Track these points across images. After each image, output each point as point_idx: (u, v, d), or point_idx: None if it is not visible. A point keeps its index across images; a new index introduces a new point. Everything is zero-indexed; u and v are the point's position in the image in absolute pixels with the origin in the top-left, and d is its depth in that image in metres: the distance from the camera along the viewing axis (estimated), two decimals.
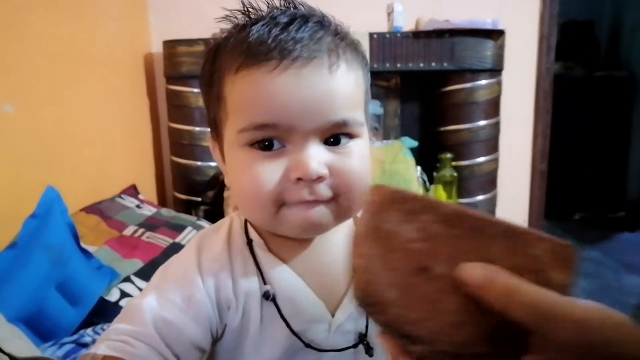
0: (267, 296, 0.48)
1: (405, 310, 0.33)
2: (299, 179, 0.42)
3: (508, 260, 0.33)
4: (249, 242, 0.50)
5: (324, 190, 0.43)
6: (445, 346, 0.33)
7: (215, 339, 0.49)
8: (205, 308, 0.46)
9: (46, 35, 1.44)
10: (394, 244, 0.33)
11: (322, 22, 0.46)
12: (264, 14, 0.46)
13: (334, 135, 0.45)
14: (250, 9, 0.47)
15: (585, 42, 4.33)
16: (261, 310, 0.48)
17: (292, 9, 0.46)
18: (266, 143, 0.44)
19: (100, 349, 0.42)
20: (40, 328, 1.03)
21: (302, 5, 0.47)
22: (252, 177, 0.44)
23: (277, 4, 0.47)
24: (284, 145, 0.44)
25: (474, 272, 0.32)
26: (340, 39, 0.45)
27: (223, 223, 0.54)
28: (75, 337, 1.06)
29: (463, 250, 0.33)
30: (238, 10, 0.47)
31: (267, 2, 0.46)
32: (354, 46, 0.47)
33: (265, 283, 0.49)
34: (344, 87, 0.44)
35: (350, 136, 0.45)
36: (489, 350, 0.33)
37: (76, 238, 1.16)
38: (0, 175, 1.23)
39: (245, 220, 0.53)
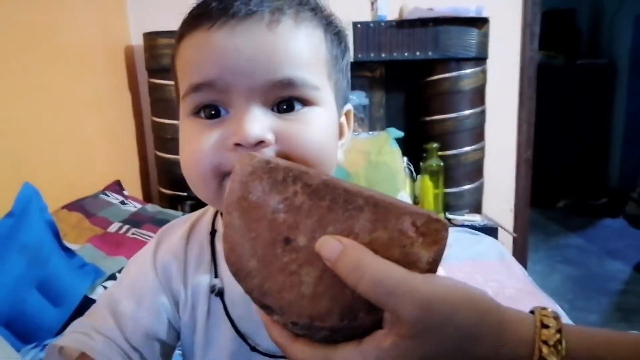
0: (212, 290, 0.46)
1: (263, 281, 0.33)
2: (236, 145, 0.38)
3: (372, 234, 0.32)
4: (212, 233, 0.48)
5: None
6: (298, 318, 0.33)
7: (178, 333, 0.48)
8: (159, 299, 0.46)
9: (18, 26, 1.39)
10: (258, 214, 0.33)
11: None
12: None
13: (286, 101, 0.40)
14: None
15: (567, 31, 4.36)
16: (208, 305, 0.47)
17: None
18: (212, 112, 0.40)
19: (62, 340, 0.44)
20: (21, 330, 1.00)
21: None
22: (190, 146, 0.41)
23: None
24: (228, 112, 0.40)
25: (329, 244, 0.32)
26: (297, 2, 0.42)
27: (195, 212, 0.52)
28: (58, 337, 1.04)
29: (328, 222, 0.33)
30: None
31: None
32: (315, 9, 0.43)
33: (216, 277, 0.46)
34: (287, 43, 0.40)
35: (305, 103, 0.41)
36: (344, 324, 0.33)
37: (57, 236, 1.13)
38: None
39: (217, 210, 0.50)
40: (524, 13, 2.00)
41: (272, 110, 0.40)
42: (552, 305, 1.39)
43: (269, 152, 0.39)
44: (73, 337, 0.44)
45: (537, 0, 2.00)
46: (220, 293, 0.46)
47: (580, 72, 4.13)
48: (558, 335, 0.32)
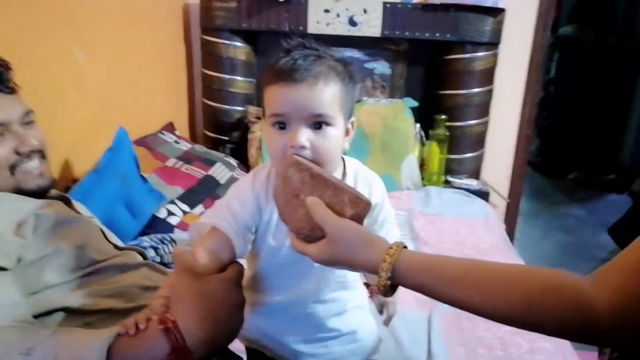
0: None
1: (283, 209, 0.73)
2: (292, 146, 0.72)
3: (330, 199, 0.69)
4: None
5: (307, 156, 0.72)
6: (292, 227, 0.72)
7: (256, 228, 0.82)
8: (254, 208, 0.80)
9: None
10: (288, 182, 0.70)
11: (319, 55, 0.75)
12: (292, 49, 0.75)
13: (318, 123, 0.73)
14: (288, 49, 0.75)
15: (601, 8, 4.38)
16: (278, 215, 0.80)
17: (306, 47, 0.75)
18: (281, 125, 0.75)
19: (206, 218, 0.80)
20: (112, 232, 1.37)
21: (312, 45, 0.76)
22: (272, 143, 0.76)
23: (300, 44, 0.76)
24: (289, 127, 0.73)
25: (309, 200, 0.69)
26: (326, 67, 0.74)
27: (267, 165, 0.84)
28: (136, 242, 1.40)
29: (314, 191, 0.69)
30: (286, 49, 0.75)
31: (297, 43, 0.76)
32: (337, 70, 0.75)
33: None
34: (320, 95, 0.72)
35: (327, 124, 0.73)
36: (310, 233, 0.70)
37: (137, 166, 1.49)
38: (78, 112, 1.54)
39: None
40: (540, 5, 2.20)
41: (311, 128, 0.74)
42: (516, 260, 1.71)
43: (307, 152, 0.73)
44: (209, 219, 0.79)
45: None
46: None
47: (610, 51, 4.15)
48: (395, 254, 0.65)
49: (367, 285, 0.94)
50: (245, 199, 0.79)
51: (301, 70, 0.72)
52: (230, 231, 0.76)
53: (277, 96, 0.73)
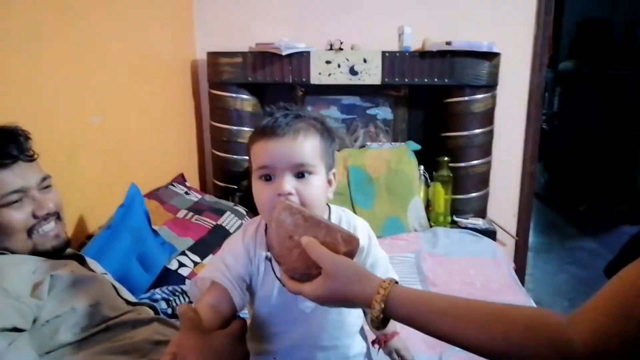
0: (267, 257, 0.85)
1: (278, 251, 0.76)
2: (279, 194, 0.78)
3: (324, 238, 0.73)
4: (266, 230, 0.88)
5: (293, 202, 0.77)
6: (287, 267, 0.75)
7: (250, 279, 0.87)
8: (245, 260, 0.85)
9: (118, 54, 1.80)
10: (282, 225, 0.75)
11: (299, 114, 0.82)
12: (274, 112, 0.83)
13: (301, 172, 0.79)
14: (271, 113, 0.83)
15: (601, 41, 4.48)
16: (264, 265, 0.86)
17: (287, 109, 0.83)
18: (267, 177, 0.80)
19: (200, 274, 0.85)
20: (125, 287, 1.41)
21: (293, 108, 0.84)
22: (259, 195, 0.82)
23: (282, 107, 0.84)
24: (275, 177, 0.80)
25: (305, 239, 0.73)
26: (305, 123, 0.81)
27: (256, 220, 0.91)
28: (148, 294, 1.44)
29: (308, 232, 0.74)
30: (269, 112, 0.83)
31: (278, 106, 0.84)
32: (316, 127, 0.83)
33: (268, 251, 0.86)
34: (301, 146, 0.79)
35: (309, 173, 0.80)
36: (306, 272, 0.73)
37: (149, 221, 1.54)
38: (92, 172, 1.61)
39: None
40: (535, 45, 2.27)
41: (295, 177, 0.80)
42: (526, 298, 1.71)
43: (293, 198, 0.79)
44: (206, 274, 0.84)
45: (548, 35, 2.27)
46: (269, 259, 0.85)
47: (610, 82, 4.22)
48: (388, 287, 0.68)
49: (373, 341, 0.97)
50: (236, 252, 0.85)
51: (283, 126, 0.79)
52: (227, 283, 0.81)
53: (262, 150, 0.80)
